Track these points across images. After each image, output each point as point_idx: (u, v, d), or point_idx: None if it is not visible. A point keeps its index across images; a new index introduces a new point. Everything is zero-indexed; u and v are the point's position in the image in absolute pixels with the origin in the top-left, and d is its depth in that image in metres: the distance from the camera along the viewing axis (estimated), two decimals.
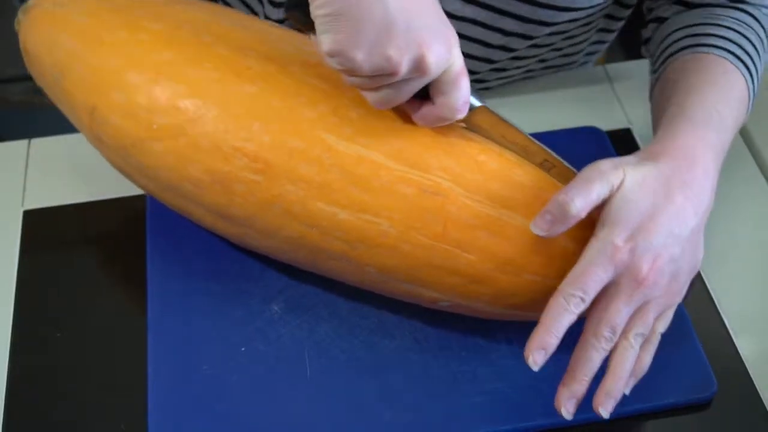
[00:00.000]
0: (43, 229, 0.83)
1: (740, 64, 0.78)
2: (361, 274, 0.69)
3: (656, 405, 0.70)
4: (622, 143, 0.88)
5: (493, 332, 0.73)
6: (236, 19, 0.72)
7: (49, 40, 0.72)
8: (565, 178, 0.68)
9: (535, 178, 0.67)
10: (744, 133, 0.91)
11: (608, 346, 0.64)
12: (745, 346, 0.74)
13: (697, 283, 0.78)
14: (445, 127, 0.67)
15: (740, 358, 0.74)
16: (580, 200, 0.64)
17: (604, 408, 0.64)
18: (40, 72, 0.74)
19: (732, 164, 0.88)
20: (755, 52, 0.79)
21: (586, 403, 0.69)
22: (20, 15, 0.74)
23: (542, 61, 0.93)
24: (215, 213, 0.70)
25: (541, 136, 0.85)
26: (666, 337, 0.73)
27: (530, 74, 0.95)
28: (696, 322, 0.74)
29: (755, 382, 0.72)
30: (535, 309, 0.67)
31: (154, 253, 0.78)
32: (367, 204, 0.65)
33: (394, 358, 0.72)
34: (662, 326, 0.68)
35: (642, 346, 0.66)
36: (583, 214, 0.64)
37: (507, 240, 0.65)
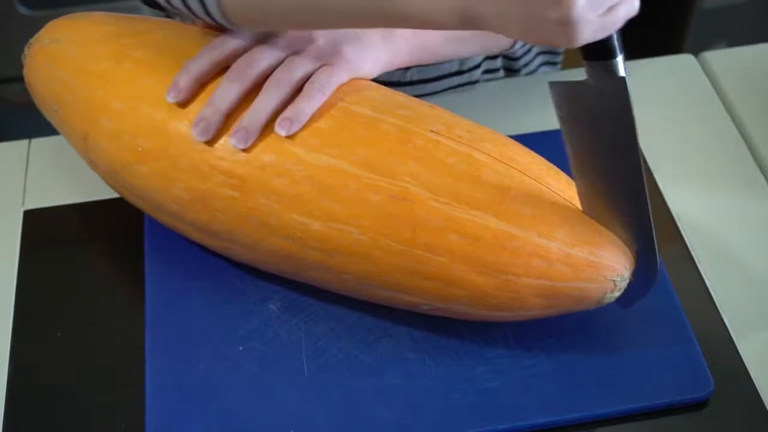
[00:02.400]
0: (43, 229, 0.83)
1: None
2: (341, 282, 0.70)
3: (652, 404, 0.70)
4: None
5: (489, 331, 0.73)
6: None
7: (47, 74, 0.76)
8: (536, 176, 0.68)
9: (504, 177, 0.67)
10: (744, 134, 0.90)
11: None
12: (745, 346, 0.74)
13: (697, 282, 0.78)
14: (411, 131, 0.68)
15: (740, 358, 0.74)
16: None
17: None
18: (42, 104, 0.79)
19: (732, 164, 0.88)
20: None
21: (587, 402, 0.70)
22: (25, 50, 0.79)
23: None
24: (200, 230, 0.73)
25: (540, 136, 0.86)
26: (663, 336, 0.73)
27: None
28: (696, 322, 0.74)
29: (755, 382, 0.72)
30: (516, 308, 0.68)
31: (153, 252, 0.79)
32: (337, 213, 0.67)
33: (391, 357, 0.72)
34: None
35: None
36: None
37: (478, 241, 0.66)
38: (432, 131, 0.68)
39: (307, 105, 0.69)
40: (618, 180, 0.66)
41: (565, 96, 0.63)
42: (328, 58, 0.71)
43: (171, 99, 0.70)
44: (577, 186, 0.68)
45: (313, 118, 0.69)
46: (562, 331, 0.73)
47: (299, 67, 0.70)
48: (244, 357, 0.72)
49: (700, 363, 0.72)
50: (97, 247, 0.83)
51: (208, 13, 0.68)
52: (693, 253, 0.80)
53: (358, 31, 0.73)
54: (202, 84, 0.71)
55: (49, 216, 0.84)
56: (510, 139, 0.71)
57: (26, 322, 0.77)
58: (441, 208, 0.66)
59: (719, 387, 0.71)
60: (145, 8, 0.76)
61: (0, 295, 0.78)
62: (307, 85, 0.70)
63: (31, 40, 0.78)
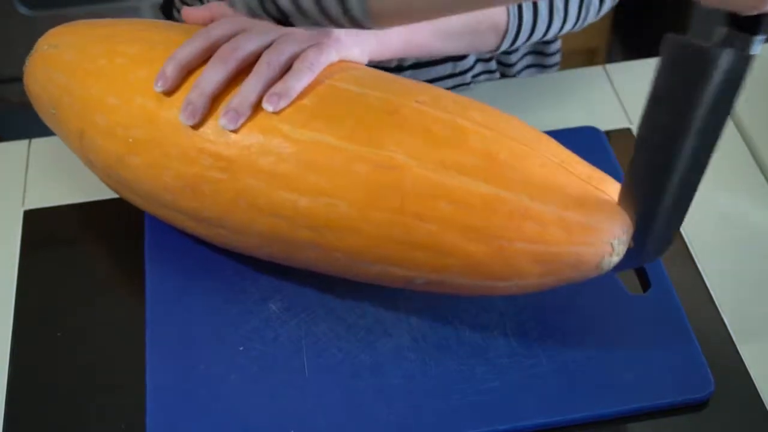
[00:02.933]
0: (43, 229, 0.83)
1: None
2: (333, 260, 0.70)
3: (653, 404, 0.70)
4: (623, 143, 0.88)
5: (490, 330, 0.73)
6: None
7: (45, 79, 0.77)
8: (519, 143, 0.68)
9: (493, 142, 0.66)
10: (744, 134, 0.91)
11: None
12: (745, 346, 0.74)
13: (697, 282, 0.78)
14: (396, 103, 0.68)
15: (740, 358, 0.74)
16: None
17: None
18: (40, 108, 0.79)
19: (732, 164, 0.88)
20: None
21: (587, 402, 0.70)
22: (26, 60, 0.79)
23: None
24: (193, 218, 0.73)
25: None
26: (663, 337, 0.73)
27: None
28: (696, 323, 0.74)
29: (756, 383, 0.72)
30: (512, 276, 0.67)
31: (153, 252, 0.79)
32: (324, 187, 0.66)
33: (391, 357, 0.72)
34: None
35: None
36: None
37: (468, 207, 0.65)
38: (417, 102, 0.68)
39: (296, 82, 0.69)
40: (685, 152, 0.63)
41: (678, 51, 0.60)
42: (317, 38, 0.72)
43: (159, 88, 0.70)
44: (636, 155, 0.65)
45: (299, 96, 0.69)
46: (563, 331, 0.73)
47: (288, 48, 0.71)
48: (244, 357, 0.72)
49: (700, 363, 0.72)
50: (97, 247, 0.83)
51: (347, 14, 0.65)
52: (693, 254, 0.80)
53: None
54: (189, 71, 0.71)
55: (49, 216, 0.84)
56: (499, 110, 0.70)
57: (26, 322, 0.77)
58: (428, 175, 0.65)
59: (720, 387, 0.71)
60: (145, 11, 0.76)
61: (0, 296, 0.78)
62: (296, 62, 0.70)
63: (31, 51, 0.79)
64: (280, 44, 0.71)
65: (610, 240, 0.66)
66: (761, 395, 0.72)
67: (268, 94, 0.69)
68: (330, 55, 0.71)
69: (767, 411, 0.71)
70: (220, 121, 0.68)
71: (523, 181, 0.65)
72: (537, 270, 0.66)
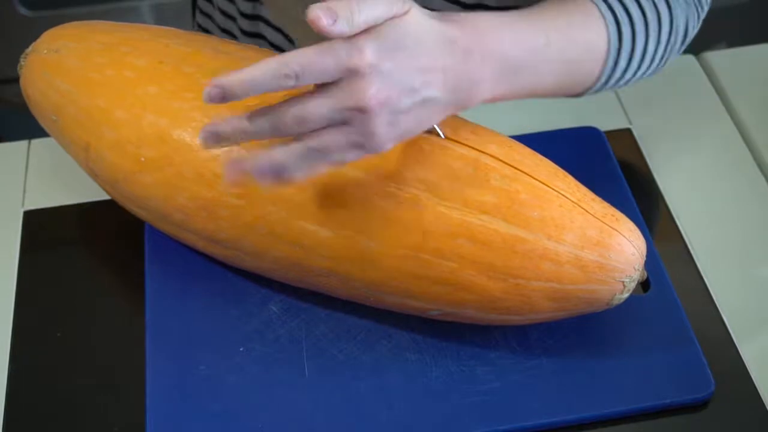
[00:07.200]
0: (43, 229, 0.83)
1: (610, 15, 0.70)
2: (350, 289, 0.70)
3: (653, 405, 0.70)
4: (622, 143, 0.88)
5: (490, 332, 0.73)
6: (217, 47, 0.74)
7: (45, 85, 0.76)
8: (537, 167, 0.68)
9: (512, 180, 0.67)
10: (744, 134, 0.91)
11: (289, 130, 0.58)
12: (745, 347, 0.74)
13: (697, 282, 0.78)
14: (420, 138, 0.67)
15: (740, 358, 0.74)
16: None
17: (228, 170, 0.60)
18: (40, 114, 0.78)
19: (732, 164, 0.88)
20: (641, 18, 0.72)
21: (587, 402, 0.70)
22: (22, 60, 0.78)
23: None
24: (205, 239, 0.72)
25: (540, 136, 0.86)
26: (663, 337, 0.73)
27: None
28: (696, 323, 0.74)
29: (755, 383, 0.72)
30: (526, 312, 0.68)
31: (153, 252, 0.79)
32: (346, 220, 0.66)
33: (391, 358, 0.72)
34: (340, 156, 0.60)
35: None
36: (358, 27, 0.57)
37: (487, 245, 0.66)
38: (438, 135, 0.68)
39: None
40: None
41: None
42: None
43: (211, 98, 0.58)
44: None
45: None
46: (564, 332, 0.73)
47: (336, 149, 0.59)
48: (244, 358, 0.72)
49: (700, 363, 0.72)
50: (97, 248, 0.83)
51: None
52: (693, 253, 0.80)
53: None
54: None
55: (49, 216, 0.84)
56: (516, 141, 0.71)
57: (26, 322, 0.77)
58: (450, 214, 0.65)
59: (720, 387, 0.71)
60: (145, 11, 0.75)
61: (0, 296, 0.78)
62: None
63: (28, 50, 0.78)
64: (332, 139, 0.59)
65: (622, 278, 0.68)
66: (761, 395, 0.72)
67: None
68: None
69: (767, 411, 0.71)
70: (200, 135, 0.61)
71: (542, 221, 0.66)
72: (551, 306, 0.68)
